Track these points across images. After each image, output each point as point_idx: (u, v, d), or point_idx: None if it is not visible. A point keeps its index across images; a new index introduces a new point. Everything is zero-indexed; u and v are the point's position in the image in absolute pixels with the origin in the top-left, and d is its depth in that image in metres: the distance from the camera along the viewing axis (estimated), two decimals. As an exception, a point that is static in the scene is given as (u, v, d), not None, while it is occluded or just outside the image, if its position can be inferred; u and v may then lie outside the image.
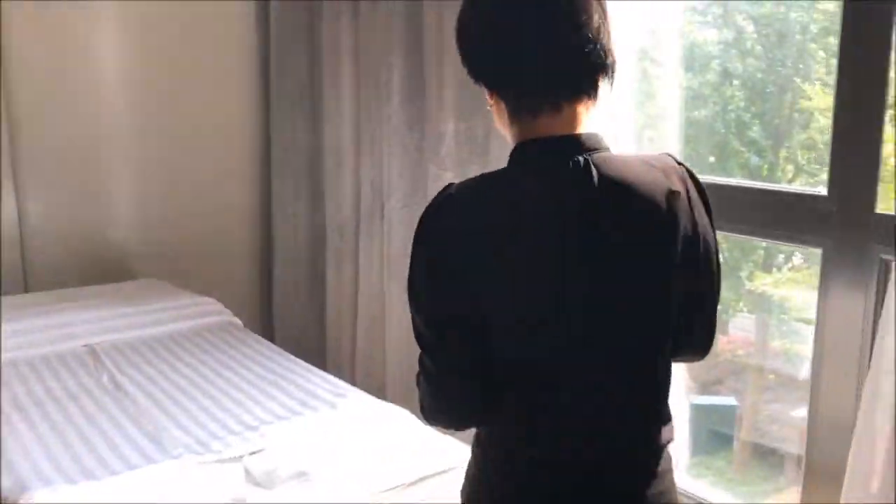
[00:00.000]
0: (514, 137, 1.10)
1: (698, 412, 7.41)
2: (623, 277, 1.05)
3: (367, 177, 3.01)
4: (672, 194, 1.06)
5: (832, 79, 8.07)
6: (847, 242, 1.74)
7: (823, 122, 6.29)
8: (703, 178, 1.13)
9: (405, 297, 1.11)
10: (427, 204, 1.08)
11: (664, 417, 1.12)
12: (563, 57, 1.03)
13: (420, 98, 2.73)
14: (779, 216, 1.91)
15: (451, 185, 1.08)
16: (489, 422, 1.09)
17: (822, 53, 6.60)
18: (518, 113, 1.08)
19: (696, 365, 9.89)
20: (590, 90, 1.07)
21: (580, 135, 1.06)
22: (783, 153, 7.24)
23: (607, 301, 1.05)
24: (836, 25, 8.12)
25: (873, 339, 1.67)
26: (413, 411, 2.18)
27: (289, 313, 3.49)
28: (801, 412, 6.24)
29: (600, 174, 1.03)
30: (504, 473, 1.08)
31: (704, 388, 7.94)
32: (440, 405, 1.09)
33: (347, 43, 3.04)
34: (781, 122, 7.28)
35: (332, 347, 3.32)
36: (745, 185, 2.23)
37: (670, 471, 1.14)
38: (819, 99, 6.43)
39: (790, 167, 7.14)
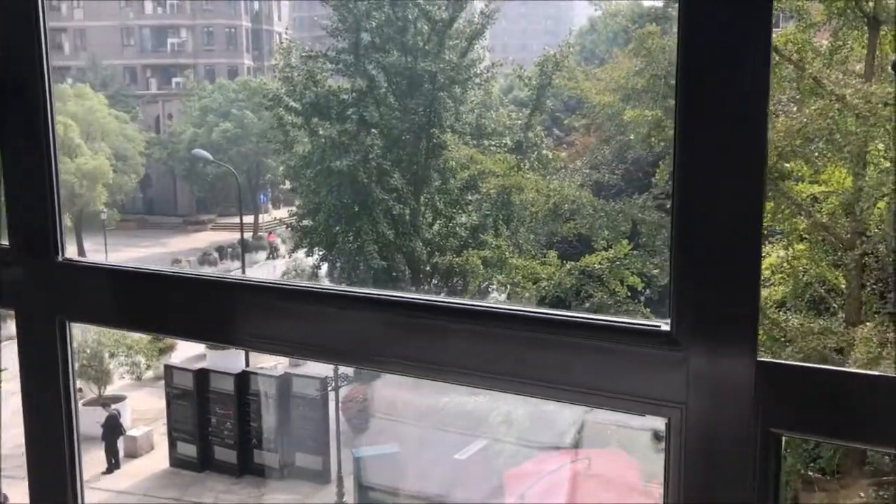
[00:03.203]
0: None
1: (362, 464, 7.35)
2: None
3: None
4: None
5: (459, 125, 8.60)
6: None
7: (463, 173, 6.63)
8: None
9: None
10: None
11: None
12: None
13: None
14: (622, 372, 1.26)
15: None
16: None
17: (450, 102, 6.96)
18: None
19: (353, 408, 9.80)
20: None
21: None
22: (423, 198, 7.53)
23: None
24: (461, 75, 8.66)
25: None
26: None
27: None
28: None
29: None
30: None
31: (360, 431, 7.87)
32: None
33: None
34: (419, 169, 7.55)
35: None
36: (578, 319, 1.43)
37: None
38: (455, 149, 6.76)
39: (429, 212, 7.44)
